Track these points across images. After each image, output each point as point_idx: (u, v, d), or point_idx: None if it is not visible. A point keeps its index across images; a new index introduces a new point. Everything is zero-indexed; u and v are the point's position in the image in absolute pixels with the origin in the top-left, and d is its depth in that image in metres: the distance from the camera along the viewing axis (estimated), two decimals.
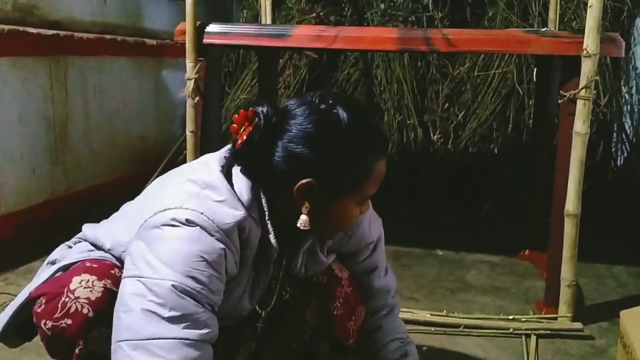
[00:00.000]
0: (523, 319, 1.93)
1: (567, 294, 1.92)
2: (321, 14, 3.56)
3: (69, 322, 1.07)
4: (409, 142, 3.40)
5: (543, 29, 2.29)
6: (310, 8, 3.60)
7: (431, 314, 1.94)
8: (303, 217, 1.11)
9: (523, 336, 1.85)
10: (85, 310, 1.08)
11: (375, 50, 3.25)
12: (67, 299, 1.08)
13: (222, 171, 1.12)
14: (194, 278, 1.01)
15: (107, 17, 2.93)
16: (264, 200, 1.12)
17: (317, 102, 1.11)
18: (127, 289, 1.02)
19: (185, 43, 2.07)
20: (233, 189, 1.11)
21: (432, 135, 3.45)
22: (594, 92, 1.86)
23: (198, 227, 1.03)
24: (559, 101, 1.94)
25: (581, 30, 1.84)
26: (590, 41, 1.80)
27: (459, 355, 1.76)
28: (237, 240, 1.09)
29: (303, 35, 2.08)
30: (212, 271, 1.03)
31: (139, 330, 0.98)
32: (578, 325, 1.89)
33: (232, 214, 1.07)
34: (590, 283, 2.29)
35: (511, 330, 1.87)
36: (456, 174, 3.36)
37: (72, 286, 1.09)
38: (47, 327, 1.09)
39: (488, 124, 3.31)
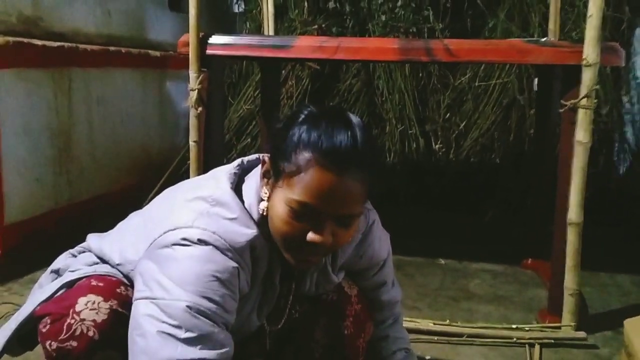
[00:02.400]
0: (526, 328, 1.92)
1: (571, 302, 1.91)
2: (323, 25, 3.58)
3: (74, 344, 1.07)
4: (410, 151, 3.41)
5: (543, 39, 2.31)
6: (312, 19, 3.63)
7: (434, 323, 1.94)
8: (263, 203, 1.09)
9: (527, 345, 1.85)
10: (90, 333, 1.07)
11: (376, 61, 3.26)
12: (72, 321, 1.07)
13: (231, 187, 1.11)
14: (208, 298, 1.00)
15: (111, 29, 2.95)
16: (260, 202, 1.11)
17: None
18: (140, 310, 1.01)
19: (188, 54, 2.09)
20: (244, 205, 1.10)
21: (434, 144, 3.46)
22: (595, 101, 1.87)
23: (211, 247, 1.02)
24: (560, 110, 1.95)
25: (581, 40, 1.86)
26: (590, 51, 1.81)
27: None
28: (249, 259, 1.08)
29: (305, 46, 2.10)
30: (226, 290, 1.02)
31: (155, 354, 0.97)
32: (582, 334, 1.88)
33: (244, 233, 1.07)
34: (594, 292, 2.28)
35: (514, 339, 1.87)
36: (458, 183, 3.36)
37: (77, 307, 1.08)
38: (52, 347, 1.08)
39: (489, 133, 3.33)
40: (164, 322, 0.98)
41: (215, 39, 2.12)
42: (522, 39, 2.15)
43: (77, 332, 1.07)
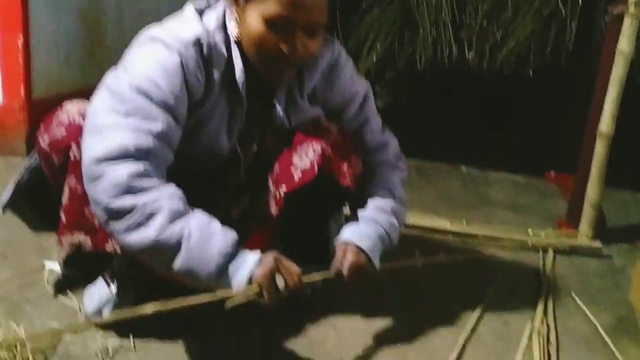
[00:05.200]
0: (542, 234, 1.94)
1: (590, 213, 1.91)
2: None
3: (63, 131, 1.22)
4: (443, 59, 3.32)
5: None
6: None
7: (451, 223, 1.96)
8: (235, 29, 1.20)
9: (541, 250, 1.87)
10: (76, 119, 1.22)
11: None
12: (60, 114, 1.24)
13: (195, 11, 1.23)
14: (150, 80, 1.12)
15: None
16: (230, 29, 1.21)
17: None
18: (96, 97, 1.16)
19: None
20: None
21: (467, 53, 3.36)
22: None
23: (159, 43, 1.15)
24: (605, 19, 1.87)
25: None
26: None
27: (476, 264, 1.79)
28: (198, 55, 1.17)
29: None
30: (170, 78, 1.14)
31: (97, 122, 1.12)
32: (597, 243, 1.89)
33: (192, 29, 1.17)
34: (615, 208, 2.26)
35: (529, 243, 1.88)
36: (489, 94, 3.29)
37: (65, 105, 1.26)
38: (45, 142, 1.23)
39: (526, 44, 3.21)
40: (108, 99, 1.12)
41: None
42: None
43: (65, 122, 1.23)
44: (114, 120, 1.10)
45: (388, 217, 1.34)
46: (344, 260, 1.25)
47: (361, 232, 1.30)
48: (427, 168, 2.60)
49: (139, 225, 1.07)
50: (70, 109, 1.25)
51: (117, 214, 1.08)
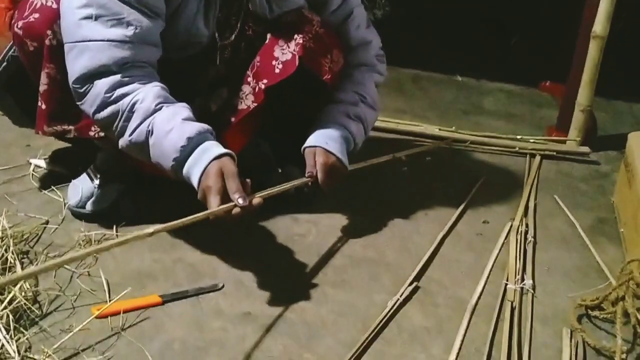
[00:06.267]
0: (531, 140, 1.93)
1: (580, 119, 1.89)
2: None
3: (37, 15, 1.20)
4: None
5: None
6: None
7: (440, 129, 1.95)
8: None
9: (528, 155, 1.86)
10: (49, 3, 1.21)
11: None
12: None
13: None
14: None
15: None
16: None
17: None
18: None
19: None
20: None
21: None
22: None
23: None
24: None
25: None
26: None
27: (462, 168, 1.79)
28: None
29: None
30: None
31: (73, 34, 1.12)
32: (585, 149, 1.88)
33: None
34: (607, 118, 2.22)
35: (517, 148, 1.88)
36: (490, 5, 3.18)
37: None
38: (19, 27, 1.22)
39: None
40: (79, 3, 1.10)
41: None
42: None
43: (38, 5, 1.21)
44: (86, 32, 1.10)
45: (354, 121, 1.37)
46: (315, 164, 1.28)
47: (326, 135, 1.33)
48: (422, 77, 2.55)
49: (122, 129, 1.12)
50: None
51: (105, 124, 1.15)
